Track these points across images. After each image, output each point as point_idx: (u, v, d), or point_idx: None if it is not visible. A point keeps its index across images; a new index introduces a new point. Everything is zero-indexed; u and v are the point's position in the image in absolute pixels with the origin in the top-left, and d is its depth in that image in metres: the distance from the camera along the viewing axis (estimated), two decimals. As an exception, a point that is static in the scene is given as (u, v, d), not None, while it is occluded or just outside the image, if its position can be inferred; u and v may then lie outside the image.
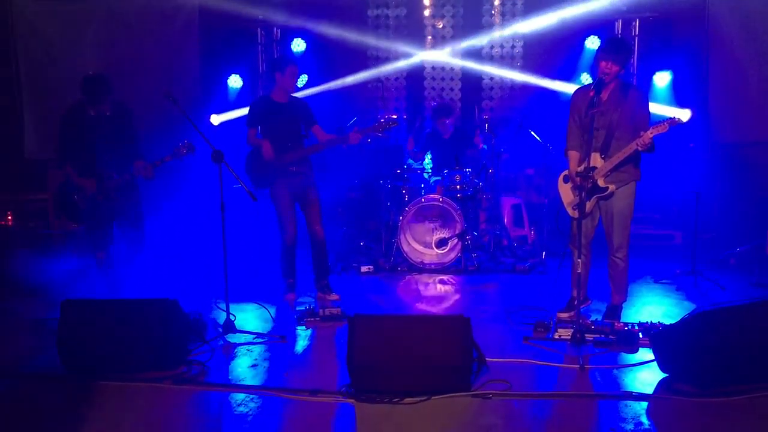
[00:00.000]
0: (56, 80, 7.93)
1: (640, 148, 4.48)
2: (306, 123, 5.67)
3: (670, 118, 4.38)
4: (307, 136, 5.71)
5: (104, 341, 4.02)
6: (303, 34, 8.52)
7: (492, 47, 8.68)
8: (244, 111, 8.34)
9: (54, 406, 3.76)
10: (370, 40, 8.67)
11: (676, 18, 8.13)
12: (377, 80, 8.49)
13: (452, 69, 8.76)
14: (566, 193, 4.96)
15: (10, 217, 6.37)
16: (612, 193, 4.69)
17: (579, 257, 4.59)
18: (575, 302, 4.66)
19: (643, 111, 4.66)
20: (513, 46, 8.69)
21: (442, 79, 8.82)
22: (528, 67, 8.74)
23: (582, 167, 4.51)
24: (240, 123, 7.80)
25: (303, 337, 4.83)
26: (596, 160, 4.65)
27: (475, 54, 8.68)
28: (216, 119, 8.26)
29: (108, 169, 5.15)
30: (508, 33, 8.62)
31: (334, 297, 5.76)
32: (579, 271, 4.55)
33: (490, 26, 8.67)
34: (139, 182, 5.37)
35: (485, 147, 7.58)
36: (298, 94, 6.78)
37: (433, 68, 8.80)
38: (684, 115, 5.01)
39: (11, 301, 5.69)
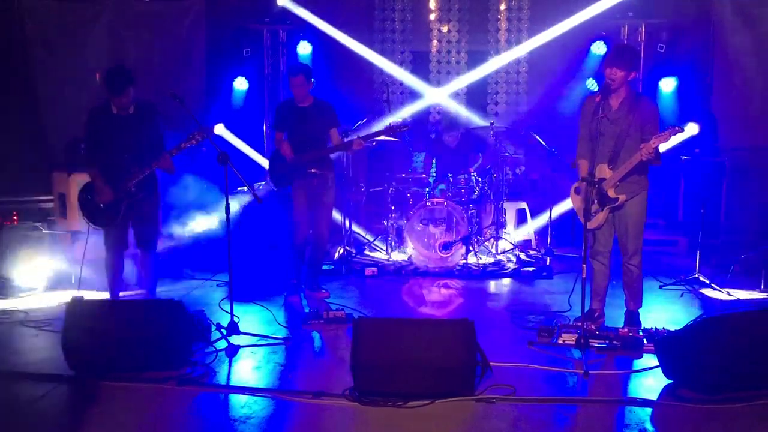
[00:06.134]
0: (62, 81, 7.95)
1: (644, 158, 4.42)
2: (327, 125, 5.62)
3: (672, 127, 4.35)
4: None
5: (108, 341, 4.03)
6: (309, 36, 8.53)
7: (498, 51, 8.67)
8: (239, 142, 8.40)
9: (58, 405, 3.77)
10: (376, 41, 8.71)
11: (682, 24, 8.13)
12: (383, 83, 8.51)
13: (458, 63, 8.76)
14: (579, 204, 4.86)
15: (15, 217, 6.39)
16: (623, 204, 4.66)
17: (584, 262, 4.55)
18: (592, 313, 4.68)
19: (652, 123, 4.60)
20: (518, 50, 8.68)
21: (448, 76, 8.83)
22: (533, 70, 8.75)
23: (587, 173, 4.51)
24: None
25: (307, 340, 4.83)
26: (604, 170, 4.62)
27: (481, 57, 8.69)
28: (219, 129, 8.20)
29: (130, 170, 4.92)
30: (513, 36, 8.64)
31: (323, 294, 5.79)
32: (584, 276, 4.52)
33: (495, 30, 8.68)
34: (159, 183, 5.20)
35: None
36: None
37: (438, 67, 8.80)
38: (692, 129, 4.85)
39: (17, 300, 5.71)
